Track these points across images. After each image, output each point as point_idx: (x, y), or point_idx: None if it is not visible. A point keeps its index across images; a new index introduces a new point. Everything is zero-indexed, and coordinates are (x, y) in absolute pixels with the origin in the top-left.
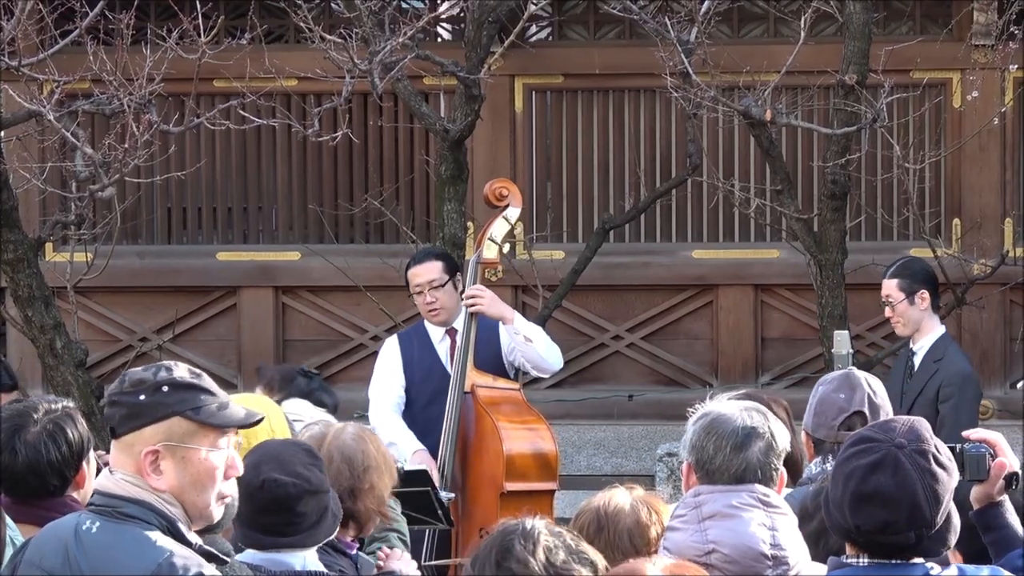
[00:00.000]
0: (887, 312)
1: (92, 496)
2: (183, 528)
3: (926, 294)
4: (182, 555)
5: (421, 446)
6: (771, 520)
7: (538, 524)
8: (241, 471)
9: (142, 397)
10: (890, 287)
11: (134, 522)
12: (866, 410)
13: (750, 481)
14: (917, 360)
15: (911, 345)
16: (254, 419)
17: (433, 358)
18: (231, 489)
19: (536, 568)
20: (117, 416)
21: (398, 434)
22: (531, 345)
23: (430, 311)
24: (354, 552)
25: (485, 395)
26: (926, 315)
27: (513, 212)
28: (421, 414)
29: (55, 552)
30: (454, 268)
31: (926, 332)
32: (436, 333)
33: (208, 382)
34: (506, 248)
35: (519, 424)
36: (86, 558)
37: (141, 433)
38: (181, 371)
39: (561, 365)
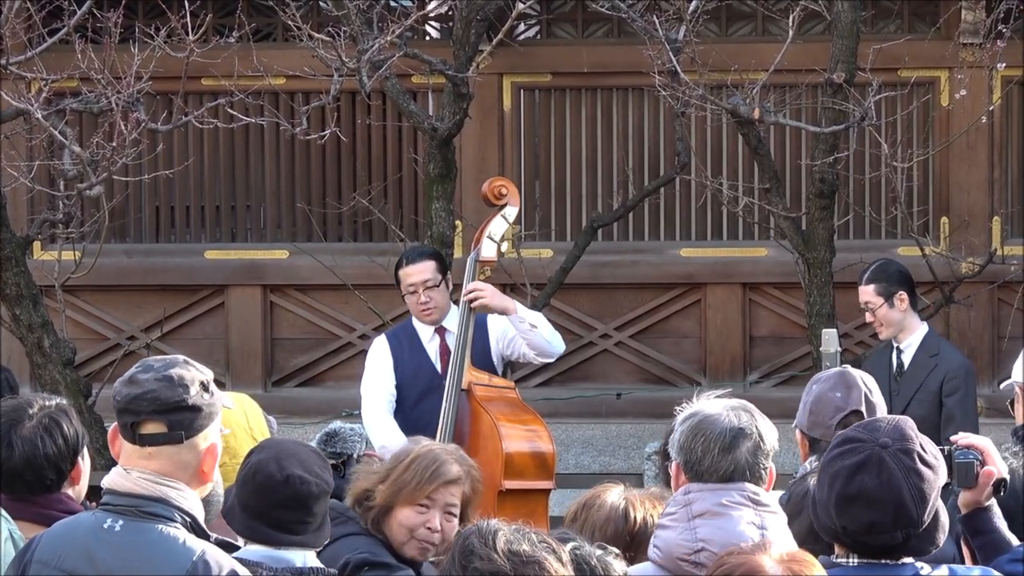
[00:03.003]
0: (868, 317)
1: (104, 495)
2: (202, 522)
3: (904, 295)
4: (213, 553)
5: None
6: (760, 519)
7: (493, 523)
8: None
9: (206, 396)
10: (868, 293)
11: (158, 520)
12: (863, 408)
13: (739, 481)
14: (907, 357)
15: (897, 344)
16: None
17: (422, 357)
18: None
19: (500, 560)
20: (189, 420)
21: (392, 438)
22: (536, 331)
23: (423, 311)
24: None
25: (482, 393)
26: (907, 315)
27: (511, 211)
28: (411, 413)
29: (75, 552)
30: (445, 267)
31: (911, 330)
32: (425, 332)
33: None
34: (504, 247)
35: (517, 423)
36: (114, 558)
37: (206, 432)
38: (199, 364)
39: (563, 348)
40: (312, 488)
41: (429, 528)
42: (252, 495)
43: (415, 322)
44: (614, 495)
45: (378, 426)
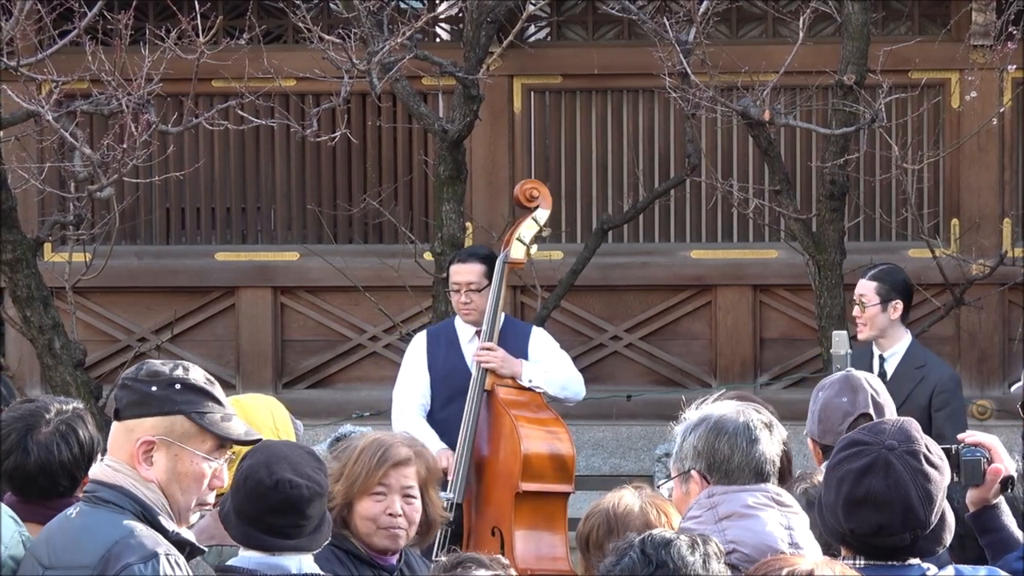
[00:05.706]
0: (855, 312)
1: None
2: (160, 516)
3: (900, 305)
4: (140, 536)
5: (444, 445)
6: (787, 519)
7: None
8: (226, 484)
9: (153, 388)
10: (867, 288)
11: (108, 507)
12: (871, 411)
13: (769, 473)
14: (890, 367)
15: (880, 352)
16: (252, 437)
17: (458, 358)
18: (211, 499)
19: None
20: (126, 400)
21: (422, 436)
22: (542, 391)
23: (463, 310)
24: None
25: (505, 394)
26: (894, 324)
27: (543, 213)
28: (439, 413)
29: (43, 539)
30: (493, 271)
31: (896, 340)
32: (466, 333)
33: (219, 391)
34: (533, 249)
35: (537, 425)
36: (61, 542)
37: (143, 421)
38: (196, 374)
39: (582, 395)
40: (303, 492)
41: (391, 514)
42: (244, 501)
43: (457, 322)
44: (633, 501)
45: (408, 428)
